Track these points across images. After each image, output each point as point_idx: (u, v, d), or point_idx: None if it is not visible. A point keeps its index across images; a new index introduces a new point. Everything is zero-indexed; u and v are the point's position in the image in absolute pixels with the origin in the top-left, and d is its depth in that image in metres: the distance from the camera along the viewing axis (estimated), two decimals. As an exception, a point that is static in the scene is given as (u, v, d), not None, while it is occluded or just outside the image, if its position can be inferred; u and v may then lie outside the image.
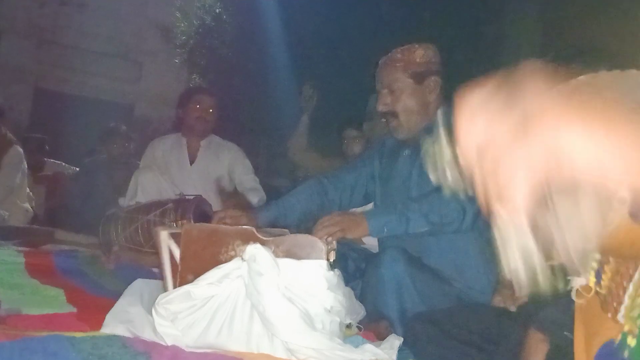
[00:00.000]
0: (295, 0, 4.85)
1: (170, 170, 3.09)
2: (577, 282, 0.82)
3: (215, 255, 1.43)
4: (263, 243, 1.42)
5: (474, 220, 1.71)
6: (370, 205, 2.09)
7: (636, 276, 0.79)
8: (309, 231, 1.64)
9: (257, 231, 1.47)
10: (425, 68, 1.88)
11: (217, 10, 6.18)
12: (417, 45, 1.90)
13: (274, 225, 1.85)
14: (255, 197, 2.94)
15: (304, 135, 3.67)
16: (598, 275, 0.84)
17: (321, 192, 1.98)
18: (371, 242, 2.14)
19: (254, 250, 1.33)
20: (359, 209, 2.02)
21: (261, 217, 1.87)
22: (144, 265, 2.24)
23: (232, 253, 1.43)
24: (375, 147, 2.11)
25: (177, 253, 1.48)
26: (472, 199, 1.63)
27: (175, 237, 1.49)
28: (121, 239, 2.38)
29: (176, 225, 1.55)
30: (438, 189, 1.69)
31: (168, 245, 1.49)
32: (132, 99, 9.27)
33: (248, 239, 1.43)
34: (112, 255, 2.33)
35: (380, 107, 1.92)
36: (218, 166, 3.14)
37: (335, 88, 4.64)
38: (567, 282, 0.84)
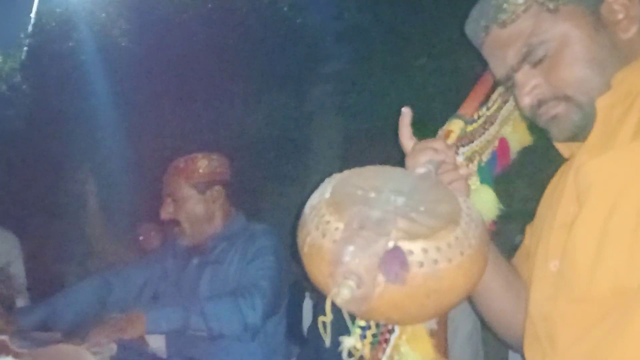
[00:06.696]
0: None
1: None
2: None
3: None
4: (17, 356, 1.25)
5: (256, 331, 1.64)
6: None
7: None
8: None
9: (12, 339, 1.29)
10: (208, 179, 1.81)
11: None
12: (199, 156, 1.84)
13: (43, 329, 1.66)
14: None
15: None
16: None
17: (104, 292, 1.81)
18: (158, 345, 1.99)
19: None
20: None
21: (25, 320, 1.65)
22: None
23: (-23, 369, 1.26)
24: (169, 245, 1.96)
25: None
26: (260, 311, 1.51)
27: None
28: None
29: None
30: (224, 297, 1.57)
31: None
32: None
33: (-1, 350, 1.26)
34: None
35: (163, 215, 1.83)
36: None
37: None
38: None
